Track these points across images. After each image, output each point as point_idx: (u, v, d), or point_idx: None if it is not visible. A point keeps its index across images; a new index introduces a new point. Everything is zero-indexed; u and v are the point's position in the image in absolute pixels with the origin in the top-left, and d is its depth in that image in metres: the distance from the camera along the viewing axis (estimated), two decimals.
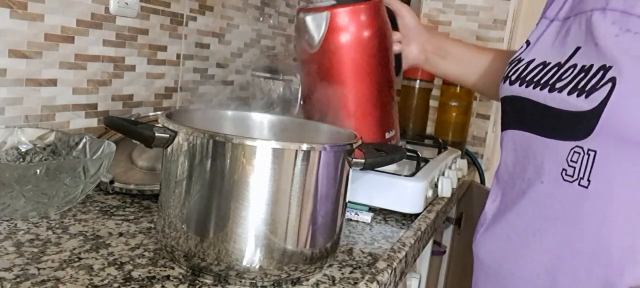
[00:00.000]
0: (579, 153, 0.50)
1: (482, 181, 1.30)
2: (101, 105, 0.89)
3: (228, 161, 0.47)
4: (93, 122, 0.88)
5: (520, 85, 0.58)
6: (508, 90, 0.61)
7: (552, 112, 0.53)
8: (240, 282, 0.49)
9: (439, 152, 1.06)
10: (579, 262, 0.51)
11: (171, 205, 0.50)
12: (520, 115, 0.59)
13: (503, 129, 0.63)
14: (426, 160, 0.93)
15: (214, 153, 0.47)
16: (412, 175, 0.81)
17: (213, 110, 0.65)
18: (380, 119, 0.77)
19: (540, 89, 0.55)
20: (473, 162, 1.30)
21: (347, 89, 0.74)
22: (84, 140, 0.70)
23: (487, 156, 1.34)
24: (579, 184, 0.51)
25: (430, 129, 1.34)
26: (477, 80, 0.85)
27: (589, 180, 0.50)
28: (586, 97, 0.50)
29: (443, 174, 0.94)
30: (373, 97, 0.76)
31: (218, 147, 0.47)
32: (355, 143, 0.52)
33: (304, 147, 0.48)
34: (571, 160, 0.51)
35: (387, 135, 0.79)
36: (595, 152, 0.49)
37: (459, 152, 1.15)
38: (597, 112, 0.49)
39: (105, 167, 0.62)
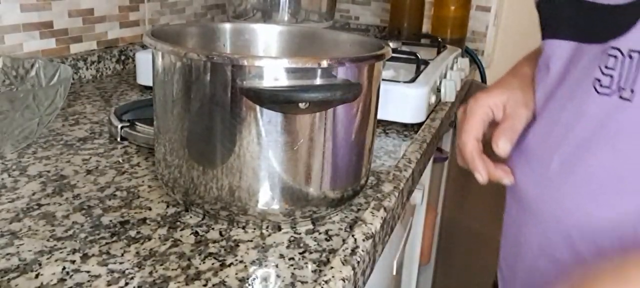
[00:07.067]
0: (616, 57, 0.39)
1: (483, 80, 1.22)
2: (58, 23, 0.79)
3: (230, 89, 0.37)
4: (50, 43, 0.78)
5: None
6: None
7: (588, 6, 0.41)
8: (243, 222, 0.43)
9: (438, 52, 0.97)
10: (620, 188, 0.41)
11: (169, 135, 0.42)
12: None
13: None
14: (426, 63, 0.85)
15: (212, 79, 0.38)
16: (412, 80, 0.73)
17: (206, 24, 0.55)
18: None
19: None
20: (473, 59, 1.21)
21: None
22: (37, 64, 0.60)
23: (488, 52, 1.26)
24: (620, 97, 0.39)
25: (426, 27, 1.24)
26: None
27: (632, 91, 0.38)
28: None
29: (445, 76, 0.86)
30: None
31: (218, 71, 0.37)
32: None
33: (325, 63, 0.38)
34: (606, 67, 0.40)
35: None
36: (639, 52, 0.38)
37: (460, 50, 1.06)
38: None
39: (62, 95, 0.53)
